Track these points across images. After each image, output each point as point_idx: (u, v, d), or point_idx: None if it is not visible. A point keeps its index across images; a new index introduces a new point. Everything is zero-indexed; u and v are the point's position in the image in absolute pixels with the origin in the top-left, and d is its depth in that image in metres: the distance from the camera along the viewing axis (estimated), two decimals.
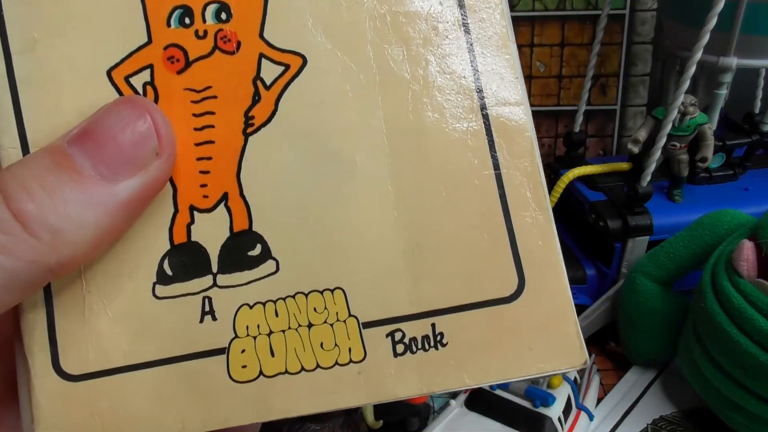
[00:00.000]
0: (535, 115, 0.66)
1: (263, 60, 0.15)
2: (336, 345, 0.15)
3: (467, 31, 0.16)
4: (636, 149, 0.49)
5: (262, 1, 0.15)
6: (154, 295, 0.15)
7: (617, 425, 0.43)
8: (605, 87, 0.65)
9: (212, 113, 0.15)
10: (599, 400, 0.45)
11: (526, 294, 0.15)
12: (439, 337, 0.15)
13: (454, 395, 0.46)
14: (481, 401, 0.40)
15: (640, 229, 0.48)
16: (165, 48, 0.15)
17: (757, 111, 0.59)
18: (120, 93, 0.15)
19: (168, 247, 0.15)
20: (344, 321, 0.15)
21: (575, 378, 0.43)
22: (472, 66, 0.16)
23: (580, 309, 0.50)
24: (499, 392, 0.40)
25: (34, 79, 0.15)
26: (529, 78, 0.65)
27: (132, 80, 0.15)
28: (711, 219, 0.44)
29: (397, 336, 0.15)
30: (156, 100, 0.15)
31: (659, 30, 0.62)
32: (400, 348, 0.15)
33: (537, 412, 0.39)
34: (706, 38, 0.43)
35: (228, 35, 0.15)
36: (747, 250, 0.38)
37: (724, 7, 0.42)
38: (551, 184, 0.55)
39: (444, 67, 0.16)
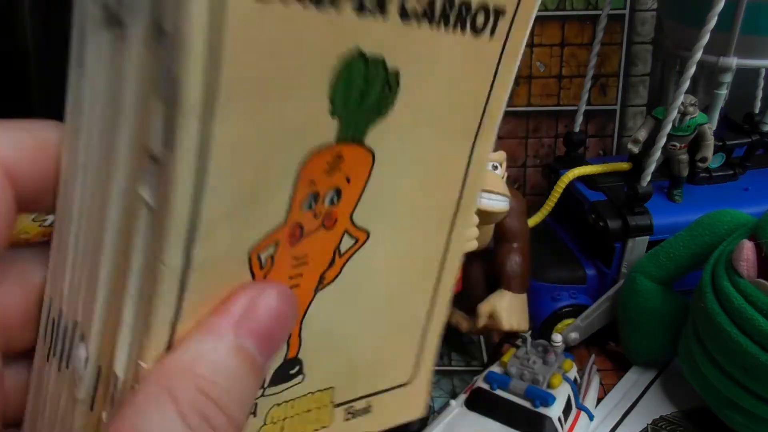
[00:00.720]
0: (535, 115, 0.66)
1: (345, 234, 0.18)
2: (318, 419, 0.21)
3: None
4: (636, 149, 0.49)
5: (362, 188, 0.18)
6: None
7: (617, 425, 0.43)
8: (605, 87, 0.65)
9: (300, 275, 0.18)
10: (599, 400, 0.45)
11: (414, 380, 0.23)
12: (370, 408, 0.22)
13: (453, 395, 0.46)
14: (481, 401, 0.40)
15: (640, 229, 0.48)
16: (291, 226, 0.17)
17: (757, 111, 0.59)
18: (250, 266, 0.17)
19: None
20: (327, 405, 0.21)
21: (575, 378, 0.43)
22: None
23: (580, 309, 0.50)
24: (499, 392, 0.40)
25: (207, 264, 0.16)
26: (529, 78, 0.65)
27: (261, 255, 0.17)
28: (711, 219, 0.44)
29: (350, 409, 0.22)
30: (271, 267, 0.17)
31: (659, 30, 0.62)
32: (349, 416, 0.22)
33: (537, 412, 0.39)
34: (706, 38, 0.43)
35: (332, 214, 0.18)
36: (747, 250, 0.38)
37: (724, 7, 0.42)
38: (551, 184, 0.55)
39: None
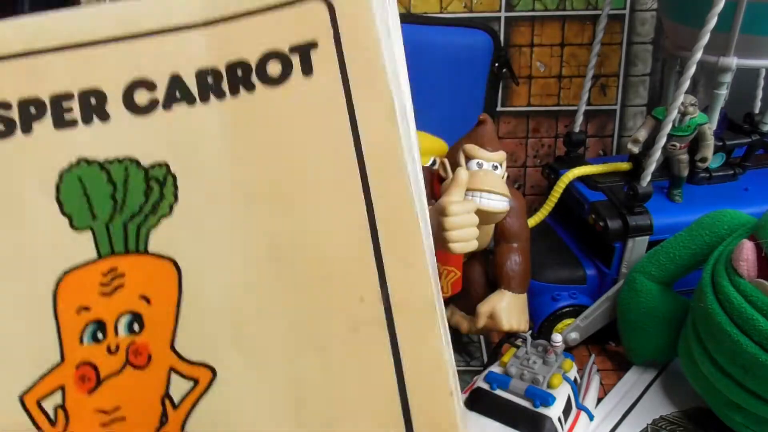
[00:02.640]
0: (535, 115, 0.66)
1: (173, 374, 0.15)
2: None
3: (392, 332, 0.15)
4: (636, 149, 0.49)
5: (174, 308, 0.15)
6: None
7: (617, 425, 0.43)
8: (605, 87, 0.65)
9: None
10: (599, 400, 0.45)
11: None
12: None
13: None
14: (481, 401, 0.40)
15: (640, 229, 0.48)
16: (77, 367, 0.15)
17: (757, 111, 0.59)
18: (32, 419, 0.14)
19: None
20: None
21: (575, 378, 0.43)
22: (395, 371, 0.16)
23: (580, 309, 0.50)
24: (499, 392, 0.40)
25: None
26: (529, 78, 0.65)
27: (44, 403, 0.15)
28: (711, 219, 0.44)
29: None
30: (66, 424, 0.14)
31: (659, 30, 0.62)
32: None
33: (537, 412, 0.39)
34: (706, 38, 0.43)
35: (139, 348, 0.15)
36: (747, 250, 0.38)
37: (724, 7, 0.42)
38: (551, 184, 0.55)
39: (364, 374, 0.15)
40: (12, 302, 0.14)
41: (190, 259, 0.15)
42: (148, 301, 0.15)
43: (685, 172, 0.50)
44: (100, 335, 0.15)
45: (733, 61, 0.49)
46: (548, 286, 0.51)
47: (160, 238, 0.15)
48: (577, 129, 0.59)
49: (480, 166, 0.43)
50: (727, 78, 0.50)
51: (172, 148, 0.15)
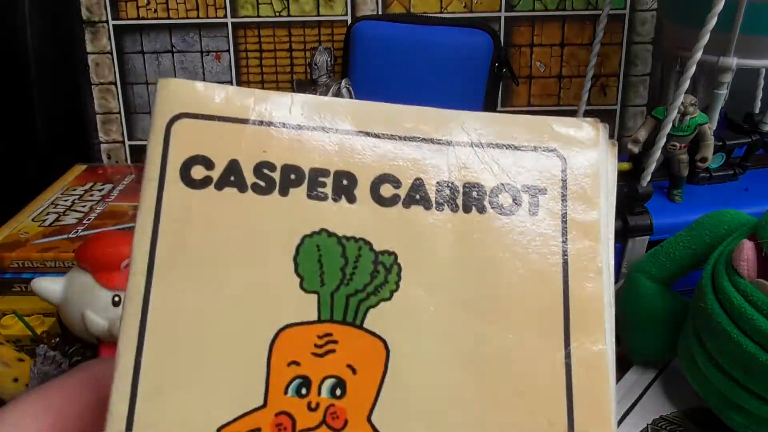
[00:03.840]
0: (535, 115, 0.66)
1: None
2: None
3: None
4: (636, 149, 0.49)
5: (378, 383, 0.16)
6: None
7: (617, 425, 0.43)
8: (605, 87, 0.65)
9: None
10: None
11: None
12: None
13: None
14: None
15: (640, 229, 0.48)
16: (276, 414, 0.16)
17: (757, 111, 0.59)
18: None
19: None
20: None
21: None
22: None
23: None
24: None
25: (150, 428, 0.15)
26: (529, 78, 0.65)
27: None
28: (711, 219, 0.44)
29: None
30: None
31: (659, 30, 0.62)
32: None
33: None
34: (706, 38, 0.43)
35: (337, 411, 0.16)
36: (747, 250, 0.38)
37: (724, 7, 0.42)
38: None
39: None
40: (233, 339, 0.16)
41: (401, 343, 0.16)
42: (354, 371, 0.16)
43: (685, 172, 0.50)
44: (304, 390, 0.16)
45: (733, 61, 0.49)
46: None
47: (376, 317, 0.16)
48: None
49: None
50: (727, 78, 0.50)
51: (403, 242, 0.17)
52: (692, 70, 0.44)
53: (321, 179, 0.17)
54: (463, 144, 0.17)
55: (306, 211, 0.16)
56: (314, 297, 0.16)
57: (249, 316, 0.16)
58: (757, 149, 0.54)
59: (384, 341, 0.16)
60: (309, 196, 0.16)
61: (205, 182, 0.16)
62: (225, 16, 0.66)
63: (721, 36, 0.47)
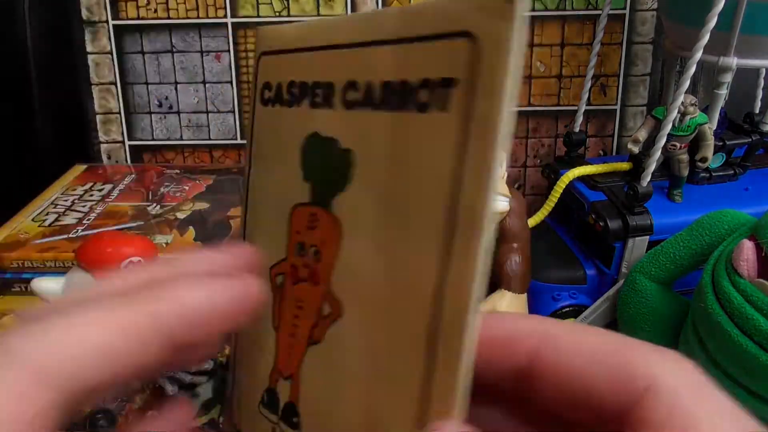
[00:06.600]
0: (535, 115, 0.66)
1: (325, 300, 0.20)
2: None
3: None
4: (636, 149, 0.49)
5: (333, 256, 0.20)
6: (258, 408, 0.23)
7: None
8: (605, 87, 0.65)
9: (297, 318, 0.21)
10: None
11: None
12: None
13: None
14: None
15: (640, 229, 0.48)
16: (291, 266, 0.22)
17: (757, 111, 0.59)
18: (271, 278, 0.22)
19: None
20: None
21: None
22: None
23: (580, 309, 0.50)
24: None
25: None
26: (529, 78, 0.65)
27: (277, 278, 0.22)
28: (711, 219, 0.44)
29: None
30: (280, 300, 0.22)
31: (659, 30, 0.62)
32: None
33: None
34: (706, 38, 0.43)
35: (317, 273, 0.21)
36: (747, 250, 0.38)
37: (724, 7, 0.42)
38: (551, 184, 0.55)
39: None
40: (276, 210, 0.22)
41: (348, 227, 0.19)
42: (324, 243, 0.20)
43: (685, 172, 0.50)
44: (302, 252, 0.21)
45: (733, 61, 0.49)
46: (548, 286, 0.51)
47: (336, 203, 0.20)
48: (577, 129, 0.59)
49: None
50: (727, 78, 0.50)
51: (355, 140, 0.19)
52: (692, 70, 0.44)
53: (317, 91, 0.20)
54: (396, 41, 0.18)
55: (308, 118, 0.21)
56: (309, 185, 0.21)
57: (282, 195, 0.22)
58: (757, 149, 0.54)
59: (339, 221, 0.20)
60: (309, 105, 0.21)
61: (267, 101, 0.22)
62: (225, 16, 0.66)
63: (721, 36, 0.47)
